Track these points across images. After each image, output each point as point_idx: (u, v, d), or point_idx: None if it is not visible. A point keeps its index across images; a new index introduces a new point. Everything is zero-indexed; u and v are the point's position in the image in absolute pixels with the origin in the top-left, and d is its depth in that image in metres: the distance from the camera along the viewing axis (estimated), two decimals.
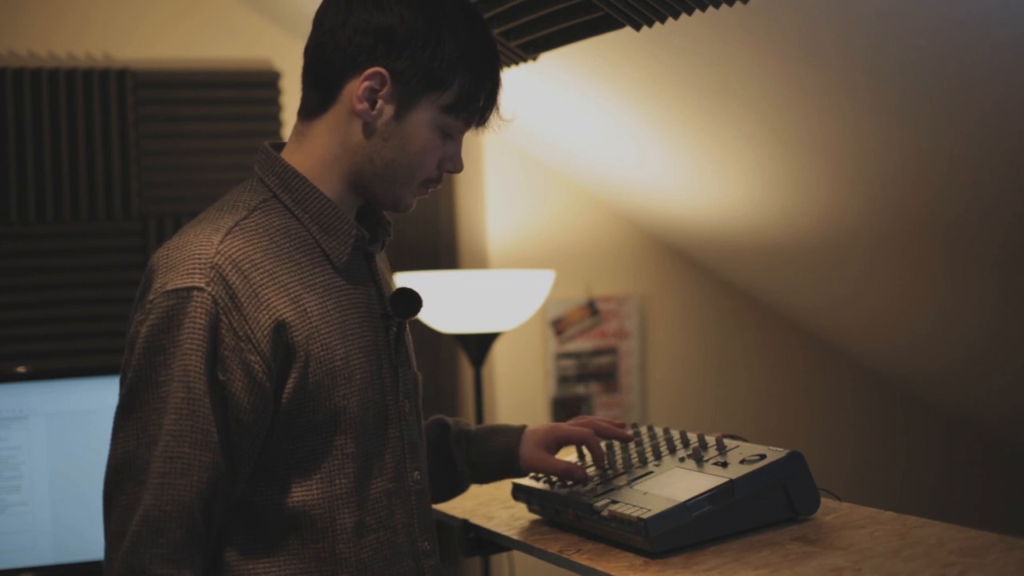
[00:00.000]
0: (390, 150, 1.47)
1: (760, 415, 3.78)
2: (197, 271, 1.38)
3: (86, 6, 3.31)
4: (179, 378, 1.36)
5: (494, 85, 1.52)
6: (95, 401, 2.38)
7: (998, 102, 2.16)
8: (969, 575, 1.30)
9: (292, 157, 1.50)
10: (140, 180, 3.28)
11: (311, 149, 1.49)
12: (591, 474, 1.68)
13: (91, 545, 2.36)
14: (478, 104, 1.50)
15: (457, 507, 1.85)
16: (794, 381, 3.83)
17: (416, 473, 1.54)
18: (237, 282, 1.39)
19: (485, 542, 1.78)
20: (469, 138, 1.56)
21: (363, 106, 1.45)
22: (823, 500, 1.59)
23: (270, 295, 1.41)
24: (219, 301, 1.38)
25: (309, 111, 1.50)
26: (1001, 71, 2.05)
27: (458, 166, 1.54)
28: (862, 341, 3.71)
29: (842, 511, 1.59)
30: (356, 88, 1.45)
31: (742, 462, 1.56)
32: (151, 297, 1.39)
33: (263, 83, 3.40)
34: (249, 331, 1.38)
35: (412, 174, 1.50)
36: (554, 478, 1.71)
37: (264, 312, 1.39)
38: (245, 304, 1.39)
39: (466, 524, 1.80)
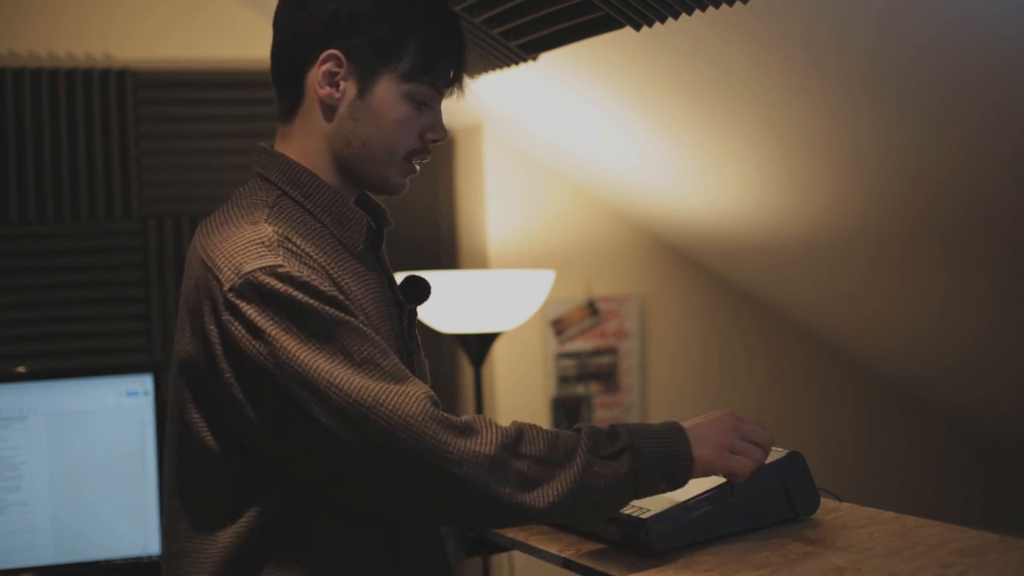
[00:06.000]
0: (363, 128, 1.48)
1: (760, 415, 3.74)
2: (268, 252, 1.38)
3: (86, 6, 3.31)
4: (332, 319, 1.35)
5: (452, 44, 1.52)
6: (95, 401, 2.38)
7: (998, 102, 2.16)
8: (969, 575, 1.30)
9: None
10: (140, 180, 3.28)
11: (296, 149, 1.51)
12: None
13: (91, 545, 2.36)
14: (441, 66, 1.50)
15: None
16: (794, 381, 3.83)
17: None
18: (302, 254, 1.39)
19: (485, 542, 1.78)
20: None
21: (325, 91, 1.48)
22: (823, 500, 1.59)
23: (326, 268, 1.42)
24: (301, 270, 1.37)
25: (285, 113, 1.53)
26: (1001, 71, 2.05)
27: (440, 134, 1.54)
28: (862, 341, 3.71)
29: (842, 511, 1.59)
30: (316, 75, 1.47)
31: None
32: (229, 287, 1.36)
33: (263, 83, 3.33)
34: (336, 291, 1.39)
35: (391, 149, 1.50)
36: None
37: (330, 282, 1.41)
38: (318, 270, 1.39)
39: None
